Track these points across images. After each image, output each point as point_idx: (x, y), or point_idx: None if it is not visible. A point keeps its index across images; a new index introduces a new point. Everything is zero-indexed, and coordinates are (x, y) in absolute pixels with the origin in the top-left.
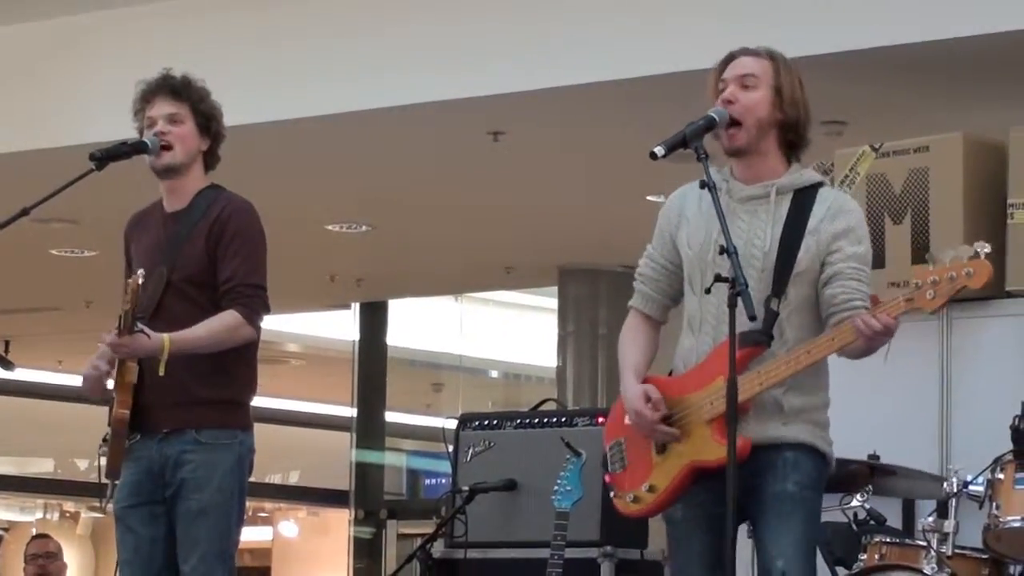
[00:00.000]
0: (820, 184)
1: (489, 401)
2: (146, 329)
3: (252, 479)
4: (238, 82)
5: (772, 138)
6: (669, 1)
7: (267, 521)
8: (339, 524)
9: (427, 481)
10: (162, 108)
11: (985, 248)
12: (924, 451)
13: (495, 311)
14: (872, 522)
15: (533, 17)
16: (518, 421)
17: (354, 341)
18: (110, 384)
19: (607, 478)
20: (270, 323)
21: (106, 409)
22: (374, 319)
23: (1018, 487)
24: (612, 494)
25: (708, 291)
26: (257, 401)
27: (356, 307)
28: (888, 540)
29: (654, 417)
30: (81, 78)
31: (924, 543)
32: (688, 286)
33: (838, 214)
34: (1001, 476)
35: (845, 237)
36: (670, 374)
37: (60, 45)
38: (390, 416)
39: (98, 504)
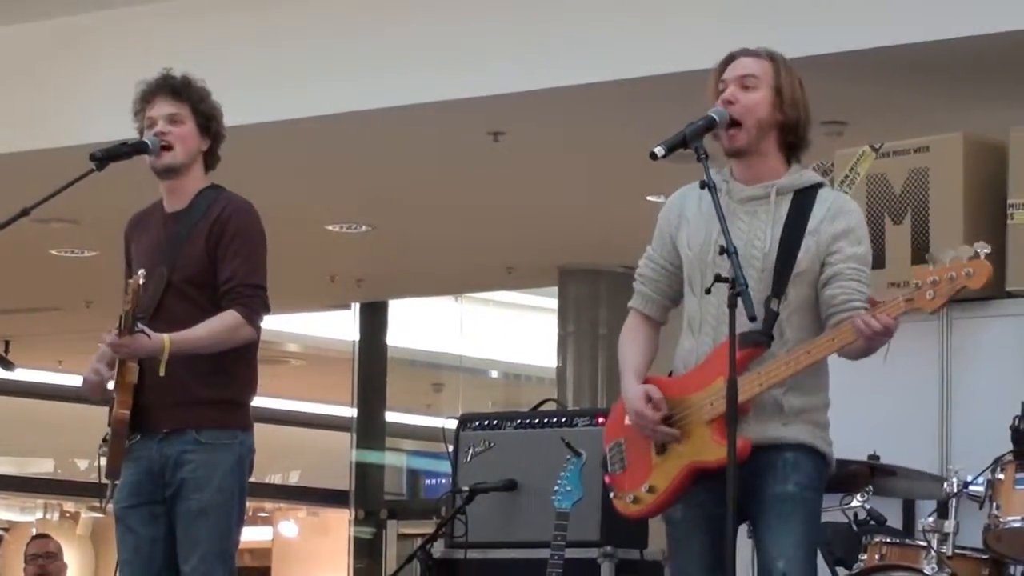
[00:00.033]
0: (820, 185)
1: (489, 401)
2: (146, 329)
3: (252, 479)
4: (238, 82)
5: (772, 139)
6: (669, 1)
7: (267, 521)
8: (339, 524)
9: (427, 481)
10: (162, 108)
11: (985, 248)
12: (924, 451)
13: (495, 311)
14: (872, 522)
15: (533, 17)
16: (518, 421)
17: (354, 341)
18: (110, 385)
19: (607, 479)
20: (270, 323)
21: (106, 409)
22: (374, 319)
23: (1018, 487)
24: (612, 495)
25: (708, 291)
26: (257, 401)
27: (356, 307)
28: (888, 540)
29: (655, 417)
30: (81, 78)
31: (924, 543)
32: (688, 287)
33: (838, 215)
34: (1001, 476)
35: (845, 238)
36: (670, 375)
37: (60, 45)
38: (390, 416)
39: (98, 504)
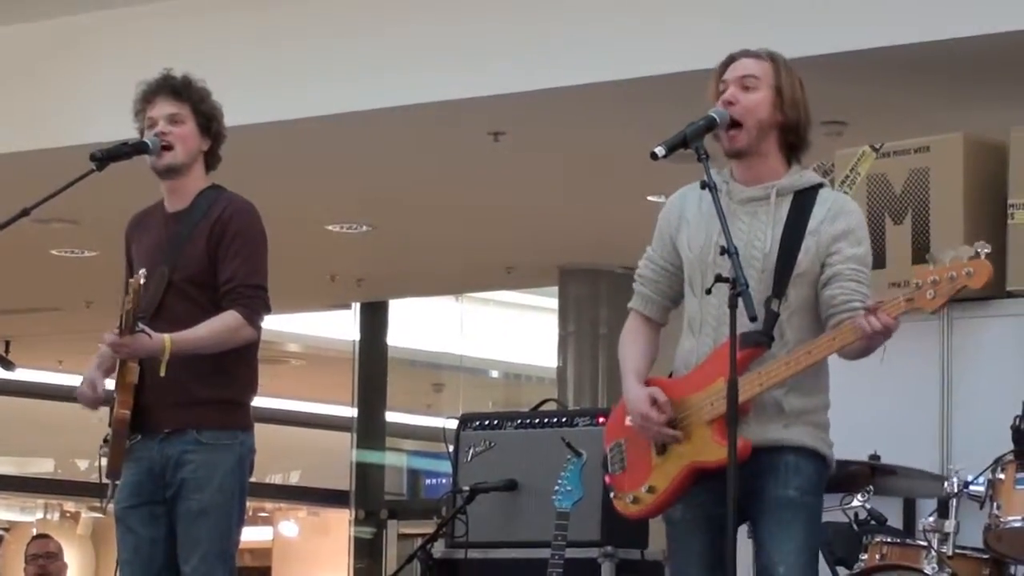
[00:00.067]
0: (820, 185)
1: (490, 401)
2: (147, 329)
3: (253, 479)
4: (238, 82)
5: (772, 139)
6: (669, 1)
7: (267, 521)
8: (339, 524)
9: (427, 481)
10: (163, 108)
11: (985, 248)
12: (925, 451)
13: (496, 311)
14: (873, 522)
15: (533, 17)
16: (519, 421)
17: (355, 341)
18: (108, 384)
19: (607, 479)
20: (270, 323)
21: (107, 410)
22: (374, 319)
23: (1019, 487)
24: (612, 495)
25: (709, 292)
26: (257, 401)
27: (356, 307)
28: (889, 540)
29: (661, 420)
30: (81, 78)
31: (925, 543)
32: (688, 287)
33: (838, 215)
34: (1002, 476)
35: (845, 238)
36: (670, 376)
37: (60, 45)
38: (390, 416)
39: (98, 504)
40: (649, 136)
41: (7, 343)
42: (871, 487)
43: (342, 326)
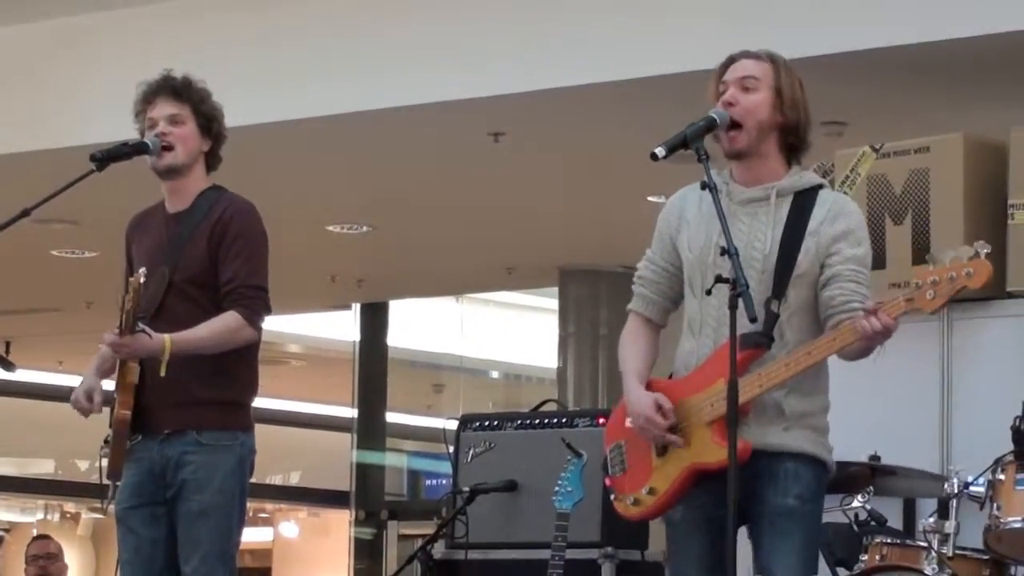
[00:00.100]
0: (820, 186)
1: (490, 402)
2: (147, 329)
3: (253, 480)
4: (238, 83)
5: (772, 140)
6: (669, 1)
7: (268, 522)
8: (340, 525)
9: (428, 482)
10: (163, 109)
11: (985, 248)
12: (925, 452)
13: (496, 312)
14: (873, 523)
15: (533, 17)
16: (519, 422)
17: (355, 342)
18: (108, 384)
19: (607, 481)
20: (271, 324)
21: (107, 410)
22: (375, 320)
23: (1019, 488)
24: (612, 497)
25: (709, 293)
26: (258, 402)
27: (357, 308)
28: (889, 541)
29: (663, 426)
30: (81, 79)
31: (925, 544)
32: (688, 288)
33: (838, 216)
34: (1002, 477)
35: (844, 239)
36: (670, 377)
37: (60, 45)
38: (391, 417)
39: (99, 505)
40: (649, 137)
41: (7, 344)
42: (871, 488)
43: (342, 327)
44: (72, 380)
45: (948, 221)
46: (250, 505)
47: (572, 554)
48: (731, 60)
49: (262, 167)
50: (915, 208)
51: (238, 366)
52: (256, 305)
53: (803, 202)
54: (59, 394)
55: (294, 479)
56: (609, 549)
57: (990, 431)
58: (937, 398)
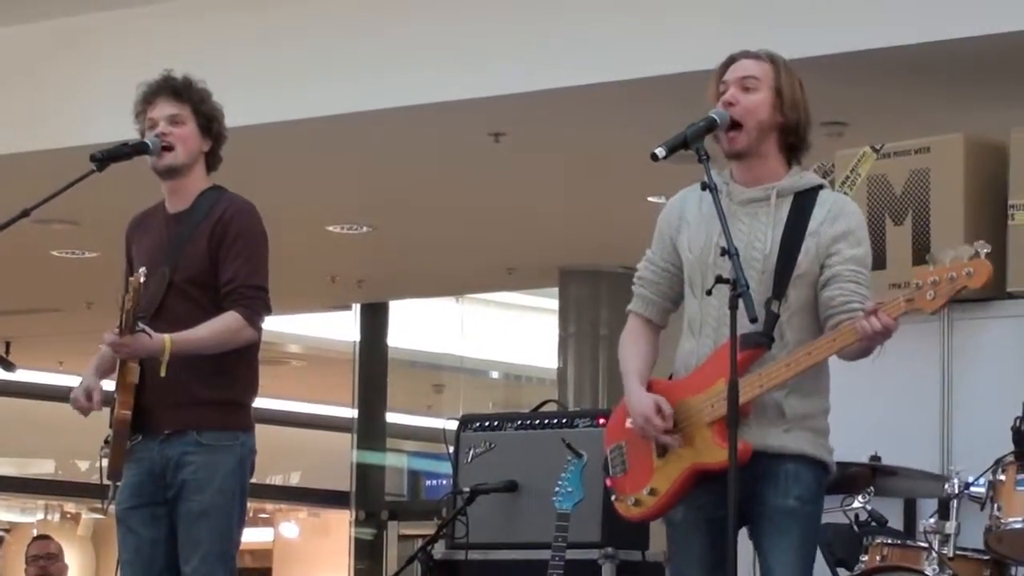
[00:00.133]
0: (820, 187)
1: (490, 402)
2: (148, 329)
3: (253, 480)
4: (238, 83)
5: (772, 141)
6: (669, 1)
7: (268, 522)
8: (340, 525)
9: (428, 482)
10: (164, 109)
11: (985, 248)
12: (925, 452)
13: (496, 312)
14: (873, 523)
15: (533, 18)
16: (519, 422)
17: (355, 342)
18: (108, 385)
19: (608, 482)
20: (271, 324)
21: (107, 410)
22: (375, 320)
23: (1019, 488)
24: (613, 497)
25: (709, 293)
26: (258, 402)
27: (357, 308)
28: (889, 541)
29: (661, 428)
30: (81, 79)
31: (925, 544)
32: (688, 289)
33: (838, 216)
34: (1002, 477)
35: (844, 239)
36: (670, 377)
37: (60, 46)
38: (391, 417)
39: (99, 505)
40: (649, 137)
41: (8, 344)
42: (872, 488)
43: (343, 327)
44: (72, 380)
45: (948, 221)
46: (250, 505)
47: (572, 554)
48: (731, 60)
49: (262, 167)
50: (915, 208)
51: (238, 366)
52: (256, 305)
53: (803, 202)
54: (59, 394)
55: (294, 479)
56: (609, 549)
57: (990, 432)
58: (938, 398)
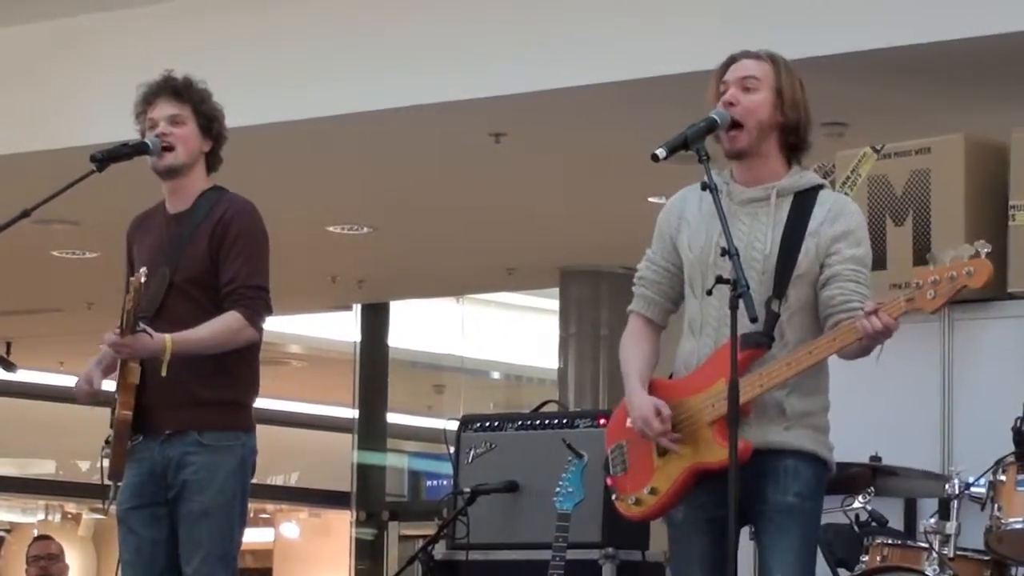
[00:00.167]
0: (820, 186)
1: (490, 403)
2: (148, 329)
3: (254, 480)
4: (239, 83)
5: (773, 140)
6: (669, 2)
7: (269, 522)
8: (341, 525)
9: (428, 482)
10: (164, 110)
11: (986, 247)
12: (926, 452)
13: (496, 312)
14: (874, 523)
15: (534, 18)
16: (519, 423)
17: (355, 342)
18: (108, 385)
19: (608, 481)
20: (271, 324)
21: (108, 411)
22: (375, 320)
23: (1020, 489)
24: (614, 497)
25: (710, 293)
26: (259, 402)
27: (357, 308)
28: (890, 542)
29: (659, 431)
30: (81, 79)
31: (926, 545)
32: (689, 289)
33: (838, 216)
34: (1003, 478)
35: (844, 239)
36: (670, 377)
37: (60, 46)
38: (391, 417)
39: (100, 505)
40: (650, 137)
41: (8, 344)
42: (872, 488)
43: (343, 327)
44: (73, 381)
45: (949, 222)
46: (251, 506)
47: (573, 555)
48: (731, 60)
49: (262, 167)
50: (916, 209)
51: (239, 366)
52: (257, 305)
53: (803, 202)
54: (60, 395)
55: (295, 480)
56: (610, 550)
57: (991, 432)
58: (938, 399)
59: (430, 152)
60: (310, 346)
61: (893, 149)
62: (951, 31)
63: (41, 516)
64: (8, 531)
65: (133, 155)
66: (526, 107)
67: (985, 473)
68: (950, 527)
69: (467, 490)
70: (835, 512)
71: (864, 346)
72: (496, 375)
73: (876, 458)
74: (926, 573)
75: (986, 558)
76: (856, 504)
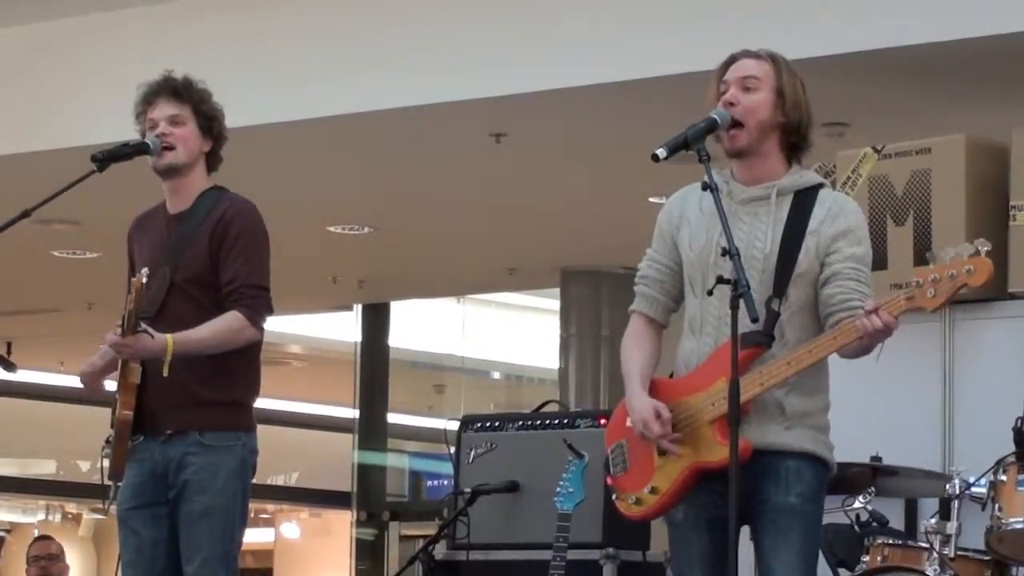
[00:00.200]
0: (820, 186)
1: (491, 403)
2: (149, 329)
3: (254, 480)
4: (239, 83)
5: (773, 140)
6: (670, 2)
7: (269, 522)
8: (341, 525)
9: (429, 483)
10: (164, 110)
11: (986, 246)
12: (926, 452)
13: (497, 312)
14: (874, 523)
15: (534, 18)
16: (520, 423)
17: (356, 342)
18: (109, 385)
19: (609, 480)
20: (272, 324)
21: (108, 410)
22: (376, 320)
23: (1020, 489)
24: (614, 496)
25: (710, 293)
26: (259, 402)
27: (358, 308)
28: (890, 542)
29: (658, 433)
30: (82, 79)
31: (926, 545)
32: (689, 288)
33: (838, 215)
34: (1003, 478)
35: (844, 238)
36: (671, 376)
37: (60, 46)
38: (392, 417)
39: (100, 506)
40: (650, 137)
41: (8, 344)
42: (873, 488)
43: (344, 327)
44: (74, 381)
45: (950, 222)
46: (252, 506)
47: (573, 555)
48: (732, 60)
49: (263, 167)
50: (917, 209)
51: (240, 366)
52: (258, 305)
53: (803, 201)
54: (60, 395)
55: (295, 480)
56: (610, 550)
57: (992, 432)
58: (939, 399)
59: (430, 152)
60: (310, 346)
61: (894, 149)
62: (951, 31)
63: (41, 516)
64: (8, 531)
65: (134, 155)
66: (526, 107)
67: (986, 473)
68: (951, 527)
69: (468, 490)
70: (836, 512)
71: (864, 345)
72: (497, 375)
73: (876, 458)
74: (927, 573)
75: (987, 558)
76: (857, 504)
